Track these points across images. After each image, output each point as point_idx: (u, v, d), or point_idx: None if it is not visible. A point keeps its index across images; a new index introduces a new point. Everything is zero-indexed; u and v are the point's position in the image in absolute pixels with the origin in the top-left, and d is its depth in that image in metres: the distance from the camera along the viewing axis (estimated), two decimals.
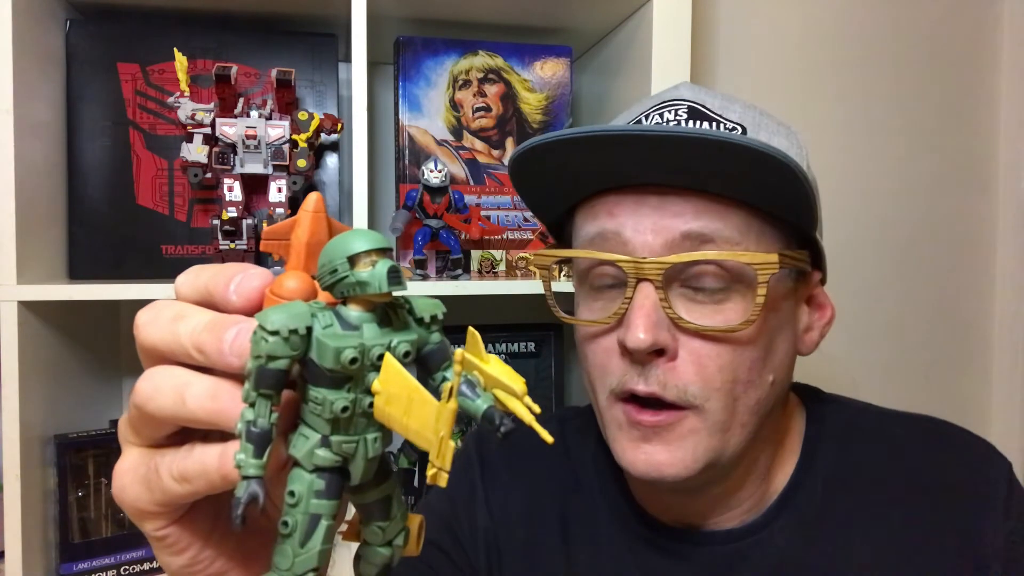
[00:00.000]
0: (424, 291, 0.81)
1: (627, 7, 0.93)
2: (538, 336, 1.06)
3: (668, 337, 0.50)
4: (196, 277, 0.30)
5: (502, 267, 0.96)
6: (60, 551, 0.82)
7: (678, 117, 0.54)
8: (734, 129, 0.53)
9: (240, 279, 0.29)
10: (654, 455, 0.51)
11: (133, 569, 0.86)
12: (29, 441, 0.75)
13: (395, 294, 0.27)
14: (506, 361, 1.21)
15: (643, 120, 0.56)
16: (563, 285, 0.59)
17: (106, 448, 0.84)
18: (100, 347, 0.95)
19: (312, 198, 0.30)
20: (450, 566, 0.64)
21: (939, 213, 1.31)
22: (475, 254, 0.95)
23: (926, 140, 1.30)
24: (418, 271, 0.88)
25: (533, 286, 0.85)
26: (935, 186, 1.31)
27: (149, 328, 0.29)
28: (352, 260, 0.26)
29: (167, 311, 0.30)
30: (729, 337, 0.50)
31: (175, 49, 0.80)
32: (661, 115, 0.55)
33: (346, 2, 0.80)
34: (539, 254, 0.58)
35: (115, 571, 0.85)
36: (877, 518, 0.57)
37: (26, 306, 0.74)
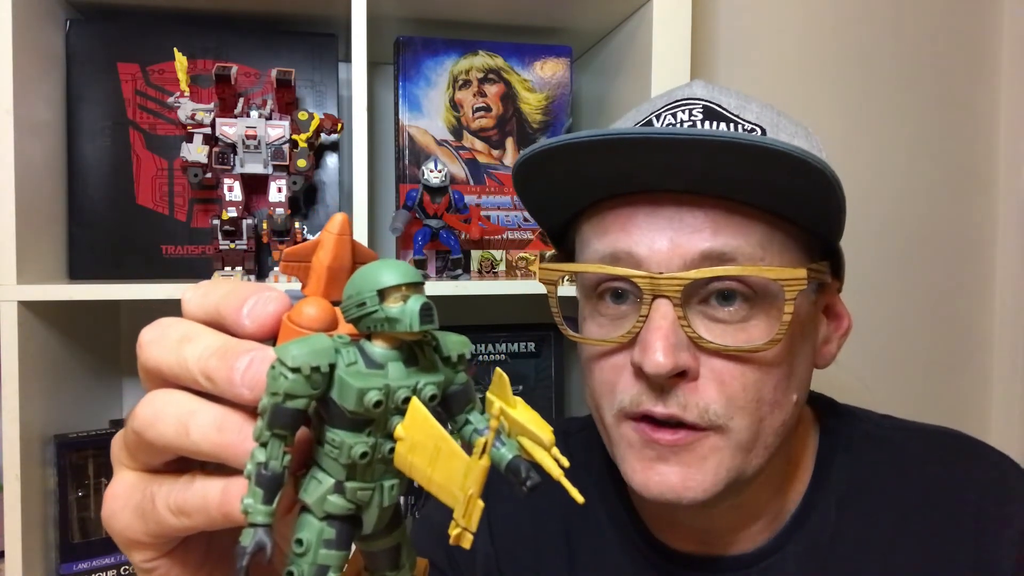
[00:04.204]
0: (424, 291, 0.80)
1: (627, 7, 0.93)
2: (538, 336, 1.06)
3: (689, 358, 0.46)
4: (206, 296, 0.28)
5: (502, 267, 0.96)
6: (60, 551, 0.82)
7: (693, 118, 0.51)
8: (753, 131, 0.50)
9: (254, 302, 0.27)
10: (669, 476, 0.48)
11: (133, 569, 0.86)
12: (29, 441, 0.75)
13: (426, 333, 0.25)
14: (506, 361, 1.21)
15: (654, 121, 0.52)
16: (566, 290, 0.57)
17: (106, 448, 0.84)
18: (100, 347, 0.95)
19: (337, 219, 0.28)
20: None
21: (939, 213, 1.31)
22: (475, 254, 0.95)
23: (926, 140, 1.30)
24: (418, 271, 0.88)
25: (533, 286, 0.84)
26: (935, 186, 1.31)
27: (153, 348, 0.27)
28: (382, 294, 0.24)
29: (174, 331, 0.27)
30: (753, 357, 0.47)
31: (175, 49, 0.80)
32: (674, 115, 0.52)
33: (346, 2, 0.80)
34: (546, 268, 0.54)
35: (115, 571, 0.85)
36: (892, 540, 0.55)
37: (26, 306, 0.74)
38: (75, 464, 0.83)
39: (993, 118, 1.33)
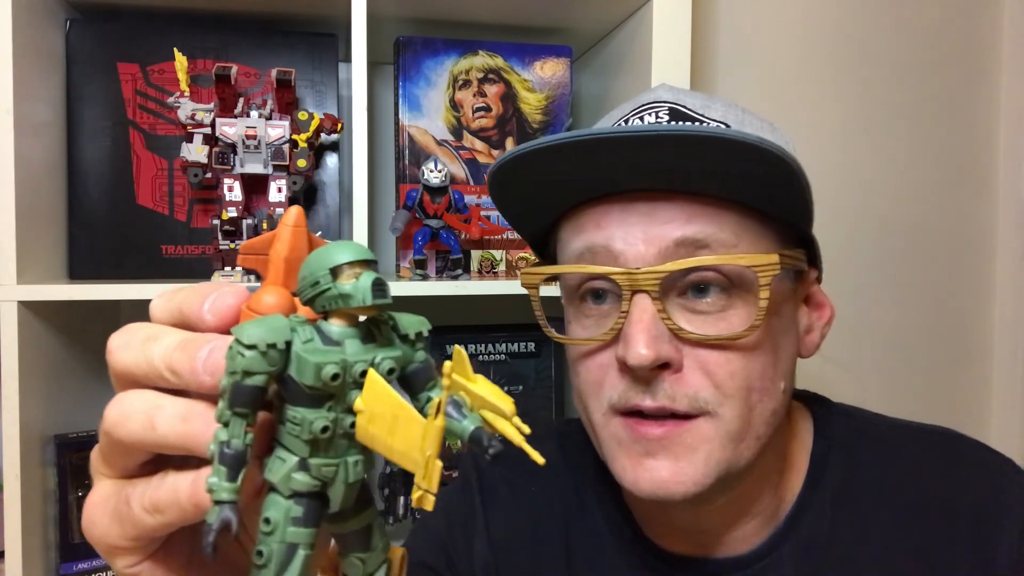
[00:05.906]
0: (424, 291, 0.81)
1: (627, 7, 0.93)
2: (538, 336, 1.06)
3: (671, 349, 0.47)
4: (170, 299, 0.29)
5: (502, 267, 0.96)
6: (60, 551, 0.82)
7: (659, 119, 0.52)
8: (718, 127, 0.50)
9: (215, 297, 0.28)
10: (659, 472, 0.48)
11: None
12: (29, 441, 0.75)
13: (380, 309, 0.26)
14: (506, 361, 1.20)
15: (623, 125, 0.53)
16: (551, 290, 0.58)
17: None
18: (100, 347, 0.94)
19: (292, 212, 0.29)
20: None
21: (939, 213, 1.31)
22: (475, 254, 0.95)
23: (926, 140, 1.30)
24: (418, 271, 0.88)
25: None
26: (935, 186, 1.31)
27: (122, 352, 0.28)
28: (335, 272, 0.25)
29: (140, 333, 0.28)
30: (735, 344, 0.47)
31: (175, 49, 0.80)
32: (641, 118, 0.53)
33: (346, 2, 0.80)
34: (526, 272, 0.55)
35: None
36: (888, 540, 0.55)
37: (26, 306, 0.74)
38: (75, 464, 0.83)
39: (993, 118, 1.33)
